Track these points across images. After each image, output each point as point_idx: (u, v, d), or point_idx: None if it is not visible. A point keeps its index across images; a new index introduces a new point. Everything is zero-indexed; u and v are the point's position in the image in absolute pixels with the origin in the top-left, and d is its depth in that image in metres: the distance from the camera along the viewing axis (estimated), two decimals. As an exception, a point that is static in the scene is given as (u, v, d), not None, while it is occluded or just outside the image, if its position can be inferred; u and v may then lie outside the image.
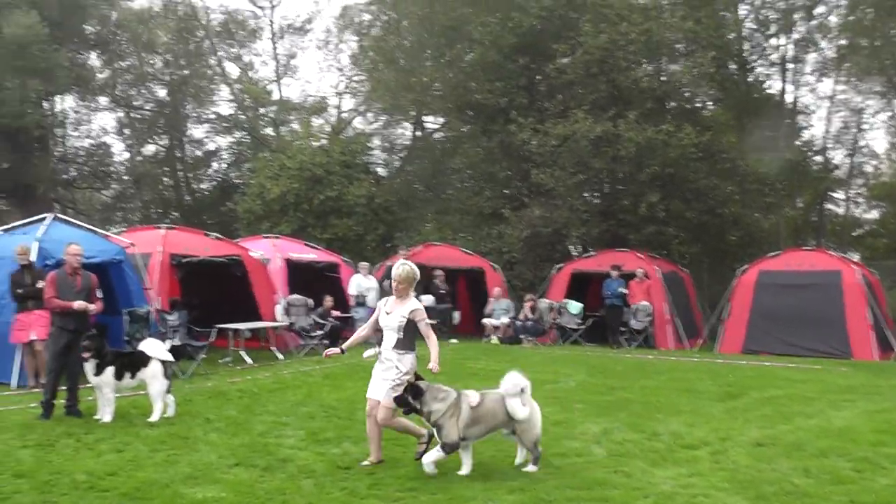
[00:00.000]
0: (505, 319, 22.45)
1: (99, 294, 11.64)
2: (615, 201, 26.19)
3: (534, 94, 27.72)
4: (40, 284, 12.30)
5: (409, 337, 8.59)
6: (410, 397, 8.28)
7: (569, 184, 24.82)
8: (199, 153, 43.59)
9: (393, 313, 8.62)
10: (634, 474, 8.35)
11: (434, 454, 8.22)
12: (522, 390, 8.43)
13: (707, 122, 26.98)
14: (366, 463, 8.58)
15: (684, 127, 23.99)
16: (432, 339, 8.67)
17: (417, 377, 8.48)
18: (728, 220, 26.20)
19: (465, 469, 8.28)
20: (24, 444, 9.33)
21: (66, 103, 40.48)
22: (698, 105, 28.88)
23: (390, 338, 8.58)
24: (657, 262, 23.10)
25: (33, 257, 13.73)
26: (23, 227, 15.81)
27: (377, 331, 8.82)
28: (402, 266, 8.74)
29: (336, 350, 9.09)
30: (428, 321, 8.77)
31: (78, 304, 10.95)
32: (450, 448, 8.19)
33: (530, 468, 8.45)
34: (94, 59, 40.19)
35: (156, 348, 11.26)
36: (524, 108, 26.55)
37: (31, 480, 7.88)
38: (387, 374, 8.55)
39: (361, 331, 9.08)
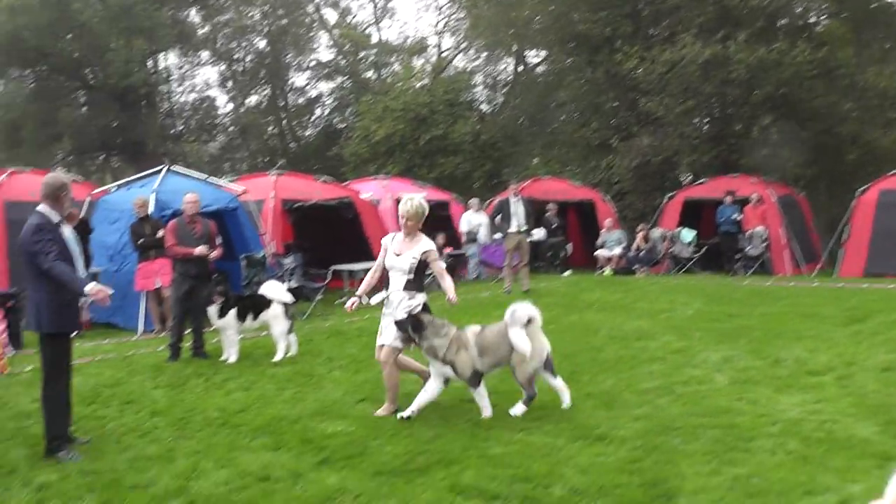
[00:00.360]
0: (617, 250, 22.33)
1: (218, 240, 11.99)
2: (726, 126, 25.51)
3: (639, 22, 27.06)
4: (160, 234, 12.80)
5: (420, 278, 8.25)
6: (410, 327, 7.97)
7: (678, 111, 24.29)
8: (301, 101, 44.09)
9: (403, 254, 8.18)
10: (759, 401, 8.29)
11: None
12: (530, 320, 8.00)
13: (822, 37, 25.97)
14: (381, 412, 8.31)
15: (798, 44, 23.13)
16: (446, 279, 8.32)
17: (425, 308, 8.20)
18: (846, 139, 25.33)
19: (486, 412, 8.04)
20: (156, 385, 9.79)
21: (169, 60, 41.42)
22: (812, 20, 27.80)
23: (399, 279, 8.20)
24: (772, 185, 22.47)
25: (151, 209, 14.21)
26: (139, 181, 16.41)
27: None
28: (409, 202, 8.21)
29: (356, 300, 8.64)
30: (441, 261, 8.54)
31: (199, 250, 11.30)
32: (474, 380, 8.02)
33: (516, 409, 8.14)
34: (193, 15, 40.89)
35: (277, 290, 11.58)
36: (629, 37, 25.93)
37: (167, 418, 8.27)
38: (396, 315, 8.14)
39: (373, 273, 8.58)
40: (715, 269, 21.76)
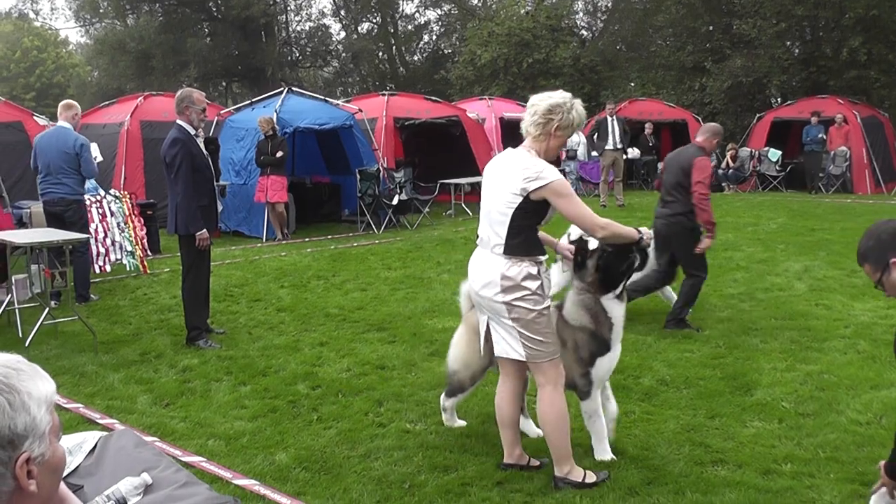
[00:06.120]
0: (708, 168, 21.95)
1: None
2: (816, 48, 24.69)
3: (737, -56, 26.27)
4: (279, 154, 13.59)
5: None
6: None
7: (770, 33, 23.65)
8: (410, 27, 43.94)
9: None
10: (834, 307, 8.35)
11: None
12: None
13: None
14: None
15: (890, -34, 22.07)
16: None
17: None
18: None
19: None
20: (281, 286, 10.14)
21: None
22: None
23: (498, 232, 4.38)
24: (857, 107, 21.64)
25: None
26: (262, 102, 16.66)
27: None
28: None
29: None
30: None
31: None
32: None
33: None
34: (311, -54, 40.91)
35: None
36: (728, -40, 25.22)
37: (292, 314, 8.63)
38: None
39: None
40: (798, 187, 21.35)
